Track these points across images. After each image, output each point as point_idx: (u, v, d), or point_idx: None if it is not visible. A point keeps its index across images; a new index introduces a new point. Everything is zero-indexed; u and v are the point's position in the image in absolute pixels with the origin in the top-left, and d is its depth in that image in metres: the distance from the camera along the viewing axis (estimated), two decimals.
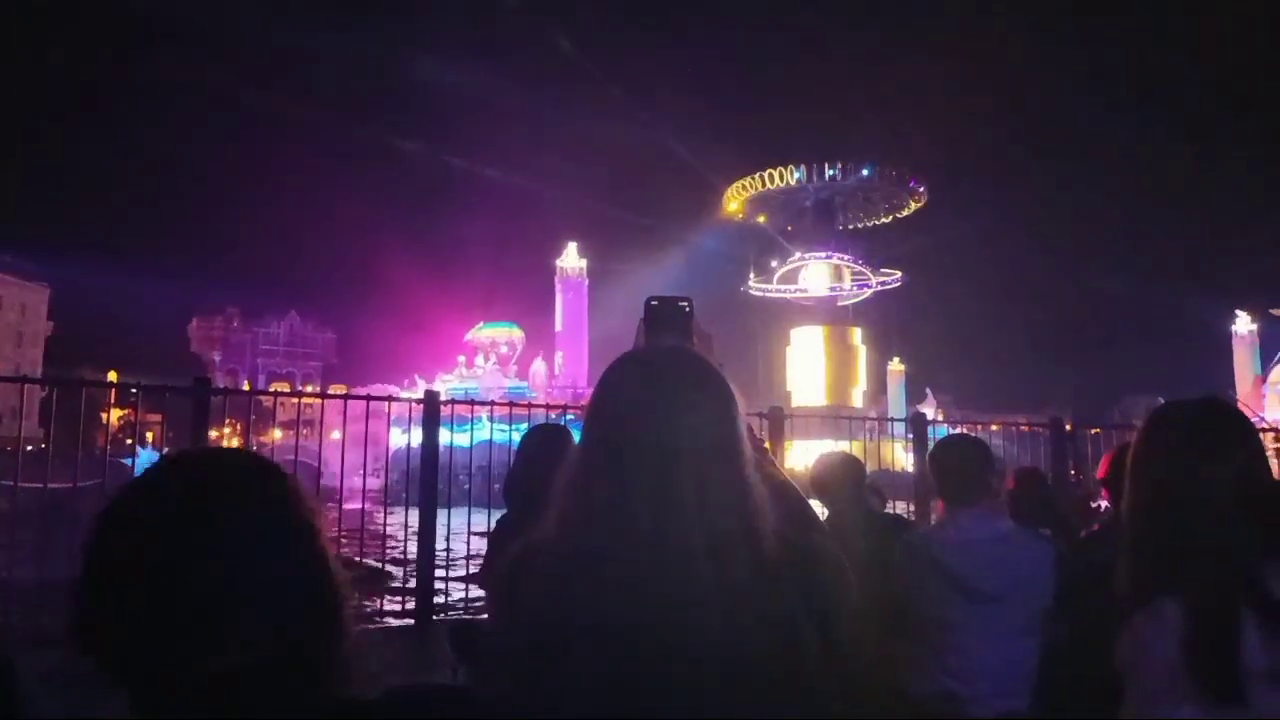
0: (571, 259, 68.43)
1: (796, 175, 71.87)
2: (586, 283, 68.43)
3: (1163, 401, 1.89)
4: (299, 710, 0.98)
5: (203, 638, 0.94)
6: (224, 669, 0.94)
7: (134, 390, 6.92)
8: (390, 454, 8.07)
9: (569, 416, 6.95)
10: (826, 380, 70.70)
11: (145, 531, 0.98)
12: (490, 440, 7.32)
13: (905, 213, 73.67)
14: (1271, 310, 70.86)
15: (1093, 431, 10.51)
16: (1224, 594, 1.54)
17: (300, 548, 1.03)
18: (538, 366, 60.63)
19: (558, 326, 66.97)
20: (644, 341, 1.68)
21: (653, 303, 1.72)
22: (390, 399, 8.16)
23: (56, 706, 1.54)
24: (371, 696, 1.04)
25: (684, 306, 1.72)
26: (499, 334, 62.52)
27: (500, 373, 58.24)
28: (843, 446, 6.48)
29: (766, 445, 2.05)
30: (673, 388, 1.36)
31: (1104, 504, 4.25)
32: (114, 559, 0.97)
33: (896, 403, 67.40)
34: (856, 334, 74.52)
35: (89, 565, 0.98)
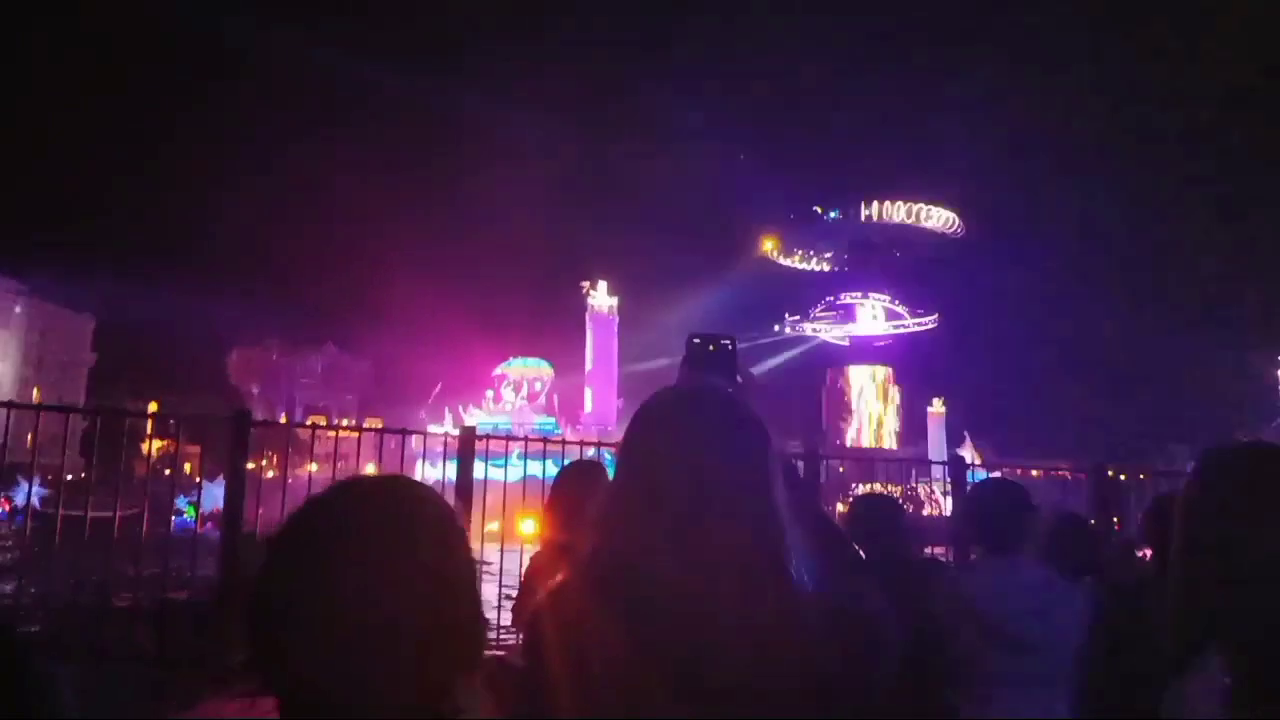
0: (602, 297, 68.67)
1: (833, 215, 72.00)
2: (616, 320, 68.59)
3: (1213, 447, 1.83)
4: None
5: (326, 656, 0.97)
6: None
7: (173, 423, 7.03)
8: None
9: (604, 453, 6.95)
10: (861, 421, 70.19)
11: (291, 551, 1.04)
12: (525, 475, 7.33)
13: (943, 255, 73.40)
14: None
15: (1137, 478, 10.29)
16: (1277, 650, 1.49)
17: (444, 581, 1.05)
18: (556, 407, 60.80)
19: (587, 365, 67.04)
20: (684, 379, 1.67)
21: (695, 340, 1.68)
22: (426, 433, 8.23)
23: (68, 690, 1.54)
24: None
25: (726, 345, 1.68)
26: (529, 371, 62.69)
27: (529, 408, 58.36)
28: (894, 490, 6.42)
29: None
30: (704, 427, 1.36)
31: (1148, 553, 4.16)
32: (270, 568, 1.03)
33: (937, 445, 66.40)
34: (892, 375, 74.05)
35: (258, 575, 1.04)
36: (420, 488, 1.17)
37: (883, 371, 73.94)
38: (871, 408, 72.45)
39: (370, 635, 0.98)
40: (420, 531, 1.06)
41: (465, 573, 1.08)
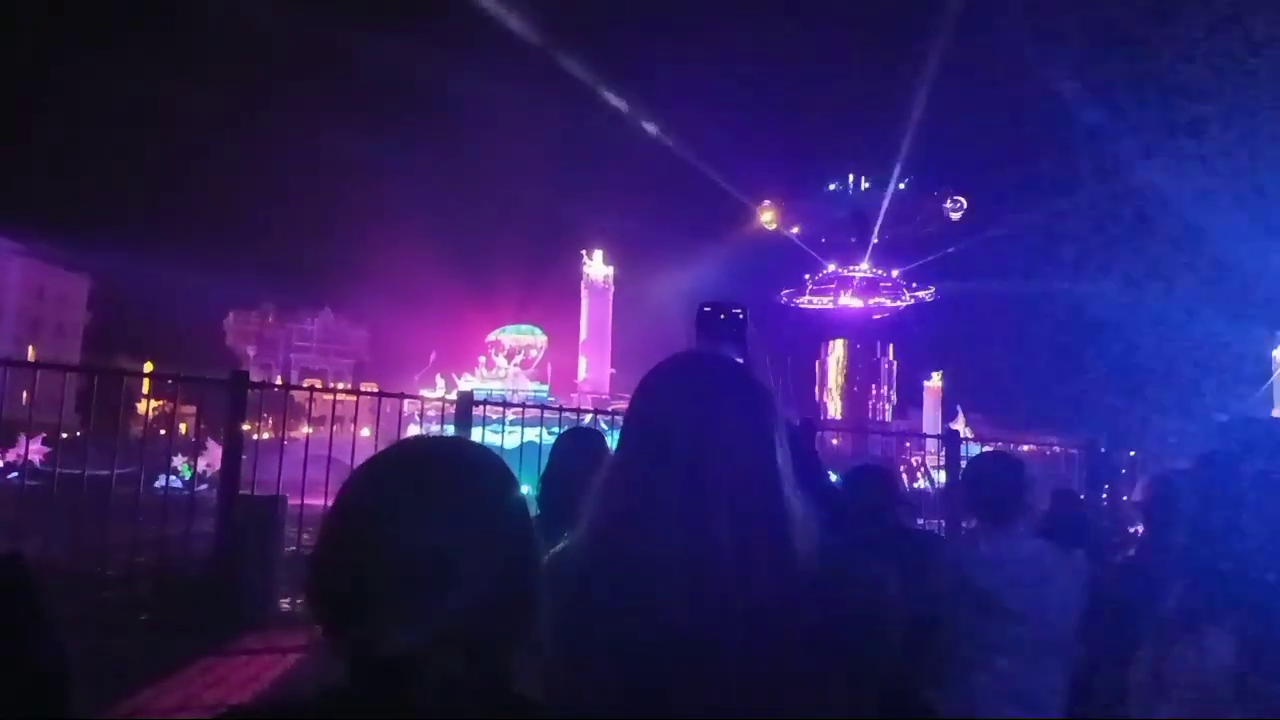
0: (598, 266, 68.25)
1: (832, 187, 71.80)
2: (612, 290, 68.25)
3: (1228, 421, 1.85)
4: (479, 697, 1.01)
5: (389, 610, 0.97)
6: (410, 643, 0.97)
7: (170, 382, 7.03)
8: None
9: (600, 420, 6.96)
10: (855, 393, 70.39)
11: (365, 501, 1.03)
12: (521, 442, 7.34)
13: (942, 227, 73.21)
14: None
15: (1128, 453, 10.34)
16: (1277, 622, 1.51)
17: (504, 543, 1.06)
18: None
19: (582, 334, 66.85)
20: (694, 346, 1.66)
21: (705, 309, 1.66)
22: (422, 397, 8.23)
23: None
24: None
25: (737, 314, 1.66)
26: (523, 337, 62.47)
27: (523, 375, 58.26)
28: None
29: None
30: (709, 397, 1.35)
31: (1139, 528, 4.19)
32: (336, 521, 1.03)
33: (931, 418, 66.42)
34: (887, 348, 74.22)
35: (323, 524, 1.04)
36: (485, 451, 1.17)
37: (878, 344, 74.08)
38: (866, 380, 72.62)
39: (430, 590, 0.98)
40: (484, 491, 1.07)
41: (526, 537, 1.09)
